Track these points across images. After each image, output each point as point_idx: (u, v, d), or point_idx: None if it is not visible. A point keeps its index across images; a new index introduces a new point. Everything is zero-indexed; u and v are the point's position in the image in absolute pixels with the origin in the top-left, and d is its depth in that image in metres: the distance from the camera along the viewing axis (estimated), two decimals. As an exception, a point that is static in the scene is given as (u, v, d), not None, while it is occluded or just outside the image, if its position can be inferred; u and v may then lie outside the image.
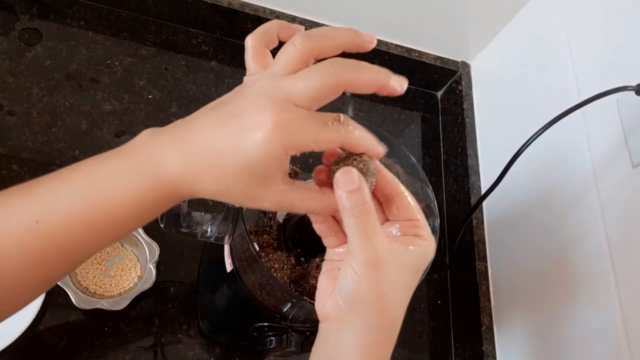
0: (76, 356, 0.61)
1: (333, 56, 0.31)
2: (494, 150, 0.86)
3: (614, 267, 0.57)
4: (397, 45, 0.93)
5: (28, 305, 0.33)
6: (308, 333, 0.56)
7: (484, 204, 0.83)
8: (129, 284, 0.64)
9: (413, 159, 0.50)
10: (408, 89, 0.33)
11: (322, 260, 0.54)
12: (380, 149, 0.32)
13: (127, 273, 0.65)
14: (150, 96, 0.79)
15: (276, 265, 0.52)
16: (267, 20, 0.84)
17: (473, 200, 0.83)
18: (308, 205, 0.32)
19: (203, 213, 0.51)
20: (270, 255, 0.53)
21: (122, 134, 0.74)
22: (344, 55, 0.31)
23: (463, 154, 0.89)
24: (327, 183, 0.33)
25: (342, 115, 0.30)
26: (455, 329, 0.80)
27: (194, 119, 0.31)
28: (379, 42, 0.92)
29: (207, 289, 0.66)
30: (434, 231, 0.40)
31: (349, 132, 0.30)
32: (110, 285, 0.64)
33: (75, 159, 0.69)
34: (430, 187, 0.50)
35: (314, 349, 0.34)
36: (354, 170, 0.31)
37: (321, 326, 0.34)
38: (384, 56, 0.93)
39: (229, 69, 0.86)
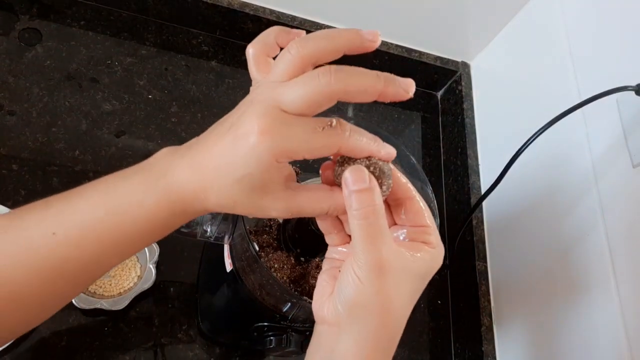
0: (76, 356, 0.61)
1: (334, 60, 0.30)
2: (494, 150, 0.86)
3: (614, 267, 0.57)
4: (397, 45, 0.93)
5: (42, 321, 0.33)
6: (308, 333, 0.56)
7: (484, 204, 0.83)
8: (128, 283, 0.64)
9: (413, 159, 0.50)
10: (408, 89, 0.32)
11: (322, 259, 0.54)
12: (386, 150, 0.31)
13: (127, 273, 0.65)
14: (150, 96, 0.79)
15: (276, 265, 0.52)
16: (267, 20, 0.85)
17: (473, 200, 0.83)
18: (318, 208, 0.31)
19: (203, 213, 0.51)
20: (270, 255, 0.53)
21: (122, 134, 0.74)
22: (347, 57, 0.30)
23: (463, 154, 0.89)
24: (335, 182, 0.32)
25: (334, 120, 0.29)
26: (455, 329, 0.80)
27: (205, 135, 0.31)
28: (379, 42, 0.92)
29: (207, 289, 0.66)
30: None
31: (344, 137, 0.29)
32: (110, 285, 0.64)
33: (75, 159, 0.70)
34: (430, 187, 0.50)
35: (308, 350, 0.33)
36: (364, 169, 0.29)
37: (317, 328, 0.33)
38: (384, 56, 0.93)
39: (229, 69, 0.86)
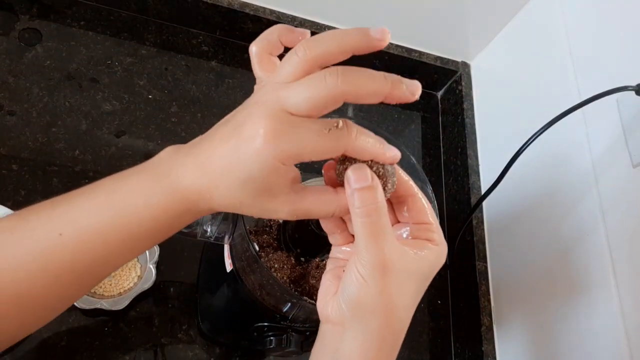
0: (76, 356, 0.61)
1: (341, 60, 0.29)
2: (494, 150, 0.86)
3: (614, 267, 0.57)
4: (397, 45, 0.93)
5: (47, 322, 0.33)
6: (308, 333, 0.56)
7: (484, 204, 0.83)
8: (128, 283, 0.64)
9: (413, 159, 0.50)
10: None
11: (322, 260, 0.54)
12: (390, 153, 0.30)
13: (127, 273, 0.65)
14: (150, 96, 0.79)
15: (276, 265, 0.52)
16: (267, 20, 0.85)
17: (473, 200, 0.83)
18: (325, 209, 0.31)
19: (203, 213, 0.51)
20: (270, 255, 0.53)
21: (122, 134, 0.74)
22: (354, 58, 0.29)
23: (463, 154, 0.89)
24: (337, 181, 0.31)
25: (341, 121, 0.28)
26: (455, 329, 0.80)
27: (209, 134, 0.30)
28: (379, 42, 0.92)
29: (207, 289, 0.66)
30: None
31: (351, 139, 0.28)
32: (110, 285, 0.64)
33: (75, 159, 0.70)
34: (430, 187, 0.50)
35: (313, 349, 0.33)
36: (366, 167, 0.29)
37: (322, 327, 0.33)
38: (384, 56, 0.93)
39: (229, 69, 0.86)
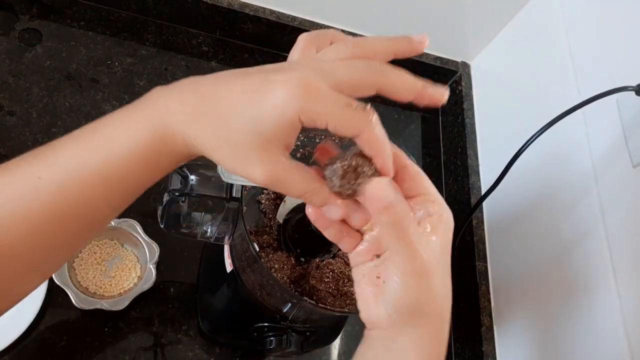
0: (76, 356, 0.61)
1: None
2: (494, 150, 0.86)
3: (614, 267, 0.57)
4: (397, 46, 0.93)
5: (30, 300, 0.32)
6: (308, 333, 0.56)
7: (484, 204, 0.83)
8: (129, 284, 0.64)
9: (413, 159, 0.50)
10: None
11: (322, 260, 0.54)
12: (390, 167, 0.30)
13: (127, 273, 0.65)
14: (150, 96, 0.79)
15: (276, 266, 0.52)
16: (267, 20, 0.85)
17: (473, 200, 0.83)
18: (296, 188, 0.30)
19: (203, 213, 0.51)
20: (270, 255, 0.53)
21: (122, 134, 0.74)
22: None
23: (463, 154, 0.89)
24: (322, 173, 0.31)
25: (369, 105, 0.29)
26: (455, 329, 0.80)
27: (214, 75, 0.31)
28: (379, 42, 0.92)
29: (207, 289, 0.66)
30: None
31: (371, 125, 0.28)
32: (110, 285, 0.64)
33: (75, 159, 0.70)
34: (430, 187, 0.50)
35: (359, 352, 0.33)
36: (384, 182, 0.29)
37: (369, 333, 0.33)
38: (384, 56, 0.93)
39: (229, 69, 0.86)
